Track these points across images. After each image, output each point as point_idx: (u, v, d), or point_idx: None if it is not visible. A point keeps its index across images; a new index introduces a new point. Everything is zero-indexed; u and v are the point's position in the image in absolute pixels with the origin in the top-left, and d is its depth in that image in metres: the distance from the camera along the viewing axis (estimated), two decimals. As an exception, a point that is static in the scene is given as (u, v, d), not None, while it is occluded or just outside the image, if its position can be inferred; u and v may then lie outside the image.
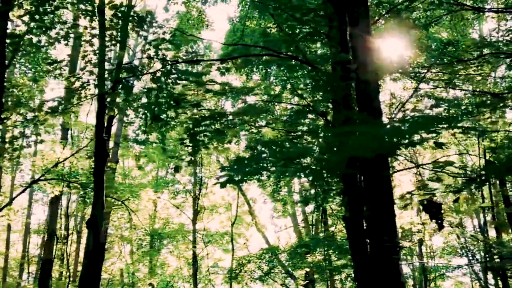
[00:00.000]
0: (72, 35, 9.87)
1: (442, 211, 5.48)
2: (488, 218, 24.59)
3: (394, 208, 7.42)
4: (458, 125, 5.35)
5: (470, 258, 21.59)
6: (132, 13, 9.02)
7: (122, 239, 26.05)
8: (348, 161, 7.65)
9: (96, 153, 8.98)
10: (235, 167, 4.81)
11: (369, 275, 7.21)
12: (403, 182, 22.49)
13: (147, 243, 27.73)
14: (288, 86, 16.80)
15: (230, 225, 26.75)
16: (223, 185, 4.74)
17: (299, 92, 12.32)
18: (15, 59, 13.82)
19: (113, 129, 22.17)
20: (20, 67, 15.79)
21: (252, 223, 30.45)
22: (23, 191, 14.86)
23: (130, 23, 9.52)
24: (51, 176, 14.36)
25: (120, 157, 27.56)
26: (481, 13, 15.59)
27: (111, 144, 21.69)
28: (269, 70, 18.39)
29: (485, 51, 11.12)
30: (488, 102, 8.59)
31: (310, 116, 10.13)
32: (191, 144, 7.52)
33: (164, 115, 8.92)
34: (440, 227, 5.61)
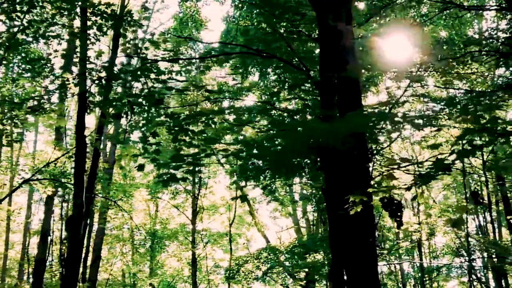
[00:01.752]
0: (52, 34, 9.84)
1: (402, 209, 5.42)
2: (488, 218, 24.44)
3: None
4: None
5: (468, 257, 21.42)
6: (111, 12, 8.98)
7: (117, 239, 26.02)
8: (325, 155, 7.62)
9: (76, 153, 8.93)
10: (172, 164, 4.76)
11: (343, 274, 7.13)
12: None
13: (147, 243, 27.69)
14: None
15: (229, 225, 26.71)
16: (165, 184, 4.69)
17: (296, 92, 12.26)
18: (7, 59, 13.81)
19: (111, 130, 22.16)
20: (13, 66, 15.76)
21: (253, 223, 30.33)
22: (13, 191, 14.92)
23: (123, 23, 9.50)
24: (43, 176, 14.36)
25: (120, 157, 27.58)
26: (475, 13, 15.46)
27: (108, 144, 21.72)
28: (268, 70, 18.29)
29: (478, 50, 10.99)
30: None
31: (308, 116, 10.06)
32: (154, 143, 7.46)
33: (146, 114, 8.88)
34: (399, 224, 5.54)
